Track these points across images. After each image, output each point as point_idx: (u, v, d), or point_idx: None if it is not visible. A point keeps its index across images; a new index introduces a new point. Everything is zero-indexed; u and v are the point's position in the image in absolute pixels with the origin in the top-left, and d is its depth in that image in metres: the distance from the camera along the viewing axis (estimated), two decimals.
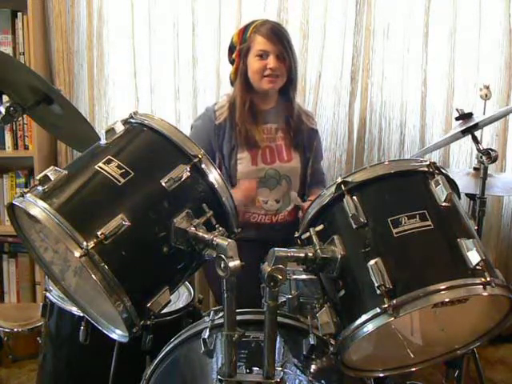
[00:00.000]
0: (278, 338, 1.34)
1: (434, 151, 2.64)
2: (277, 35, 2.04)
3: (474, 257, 1.12)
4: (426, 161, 1.27)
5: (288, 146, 2.16)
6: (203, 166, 1.19)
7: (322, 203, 1.25)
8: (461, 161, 2.81)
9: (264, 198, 2.13)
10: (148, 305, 1.12)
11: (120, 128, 1.24)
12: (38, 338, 1.97)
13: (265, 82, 2.06)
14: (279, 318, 1.29)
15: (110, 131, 1.23)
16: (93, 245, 1.04)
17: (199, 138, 2.10)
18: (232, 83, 2.18)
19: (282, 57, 2.04)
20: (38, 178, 1.14)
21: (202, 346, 1.27)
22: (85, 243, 1.04)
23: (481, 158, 1.95)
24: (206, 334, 1.29)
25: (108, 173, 1.14)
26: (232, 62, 2.15)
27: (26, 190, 1.14)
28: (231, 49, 2.15)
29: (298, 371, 1.35)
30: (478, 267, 1.11)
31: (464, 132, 2.05)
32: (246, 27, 2.10)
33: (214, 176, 1.21)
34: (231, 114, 2.12)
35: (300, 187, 2.20)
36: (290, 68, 2.07)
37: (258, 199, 2.12)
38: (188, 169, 1.17)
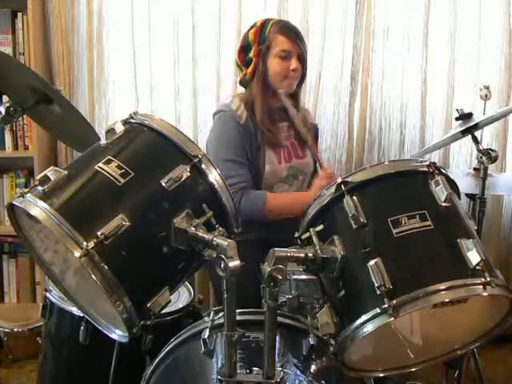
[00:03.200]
0: (278, 338, 1.34)
1: (433, 151, 2.64)
2: (297, 35, 2.04)
3: (473, 257, 1.12)
4: (425, 161, 1.27)
5: (299, 142, 2.17)
6: (203, 166, 1.19)
7: (322, 203, 1.25)
8: (461, 161, 2.81)
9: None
10: (148, 305, 1.12)
11: (120, 128, 1.23)
12: (38, 338, 1.97)
13: (285, 83, 2.04)
14: (279, 318, 1.29)
15: (110, 131, 1.23)
16: (93, 245, 1.04)
17: (232, 141, 2.02)
18: (245, 83, 2.12)
19: (302, 57, 2.04)
20: (38, 178, 1.14)
21: (202, 346, 1.27)
22: (85, 243, 1.04)
23: (481, 158, 1.95)
24: (205, 334, 1.29)
25: (108, 173, 1.14)
26: (249, 61, 2.07)
27: (25, 190, 1.14)
28: (245, 48, 2.08)
29: (297, 371, 1.35)
30: (477, 267, 1.11)
31: (464, 132, 2.05)
32: (263, 26, 2.05)
33: (214, 176, 1.20)
34: (250, 114, 2.06)
35: (310, 182, 2.21)
36: (304, 68, 2.08)
37: None
38: (188, 169, 1.17)
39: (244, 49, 2.10)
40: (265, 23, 2.06)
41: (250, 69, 2.08)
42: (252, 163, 2.04)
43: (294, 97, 2.15)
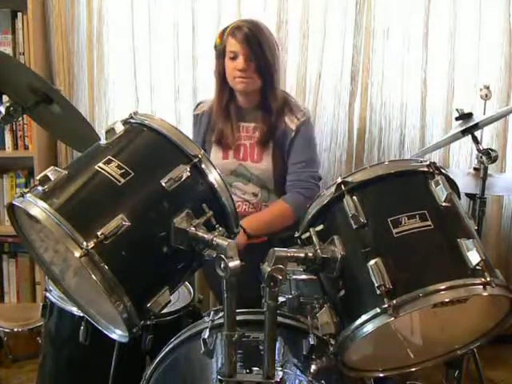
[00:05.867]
0: (278, 338, 1.35)
1: (433, 151, 2.64)
2: (246, 36, 2.03)
3: (473, 257, 1.12)
4: (425, 161, 1.27)
5: (261, 146, 2.16)
6: (203, 166, 1.19)
7: (322, 203, 1.25)
8: (461, 161, 2.81)
9: (241, 190, 2.18)
10: (148, 305, 1.12)
11: (120, 128, 1.24)
12: (38, 338, 1.97)
13: (236, 82, 2.09)
14: (279, 318, 1.29)
15: (110, 131, 1.23)
16: (93, 245, 1.04)
17: (193, 126, 2.33)
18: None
19: (249, 58, 2.04)
20: (38, 178, 1.15)
21: (202, 346, 1.27)
22: (85, 243, 1.04)
23: (481, 158, 1.95)
24: (205, 334, 1.29)
25: (108, 173, 1.14)
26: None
27: (25, 190, 1.14)
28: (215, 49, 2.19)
29: (298, 371, 1.35)
30: (477, 267, 1.11)
31: (464, 132, 2.05)
32: (224, 29, 2.12)
33: (214, 176, 1.20)
34: (210, 111, 2.22)
35: (276, 189, 2.19)
36: (259, 68, 2.06)
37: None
38: (188, 169, 1.17)
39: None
40: (227, 27, 2.12)
41: (214, 69, 2.20)
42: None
43: (264, 98, 2.13)
